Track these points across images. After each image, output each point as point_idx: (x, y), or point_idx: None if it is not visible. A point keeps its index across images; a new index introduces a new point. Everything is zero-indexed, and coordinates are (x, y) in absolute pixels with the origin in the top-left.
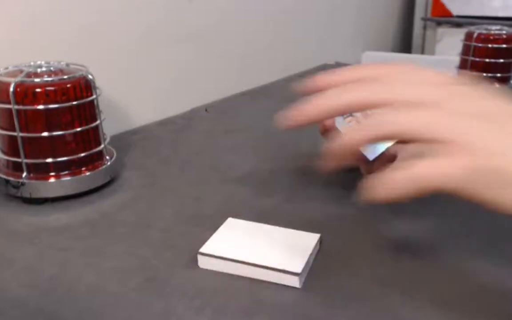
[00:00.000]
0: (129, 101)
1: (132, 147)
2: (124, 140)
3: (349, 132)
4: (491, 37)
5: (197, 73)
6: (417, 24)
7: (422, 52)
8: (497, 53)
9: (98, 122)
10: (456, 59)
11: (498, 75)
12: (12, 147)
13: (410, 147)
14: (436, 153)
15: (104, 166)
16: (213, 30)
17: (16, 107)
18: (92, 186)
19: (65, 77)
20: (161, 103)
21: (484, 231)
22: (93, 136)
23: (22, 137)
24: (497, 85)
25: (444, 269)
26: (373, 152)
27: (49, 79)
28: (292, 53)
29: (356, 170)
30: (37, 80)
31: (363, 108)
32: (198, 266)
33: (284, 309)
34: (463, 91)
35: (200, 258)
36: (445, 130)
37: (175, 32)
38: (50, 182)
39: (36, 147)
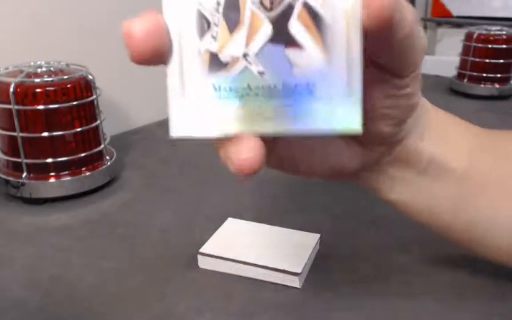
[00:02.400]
0: (129, 101)
1: (132, 147)
2: (124, 140)
3: None
4: (491, 38)
5: None
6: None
7: None
8: (497, 53)
9: (98, 122)
10: (456, 59)
11: (498, 75)
12: (12, 147)
13: None
14: None
15: (104, 166)
16: None
17: (16, 107)
18: (92, 186)
19: (65, 77)
20: (161, 103)
21: None
22: (93, 136)
23: (22, 137)
24: (497, 86)
25: (444, 268)
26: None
27: (49, 79)
28: None
29: None
30: (37, 80)
31: None
32: (198, 266)
33: (284, 309)
34: None
35: (200, 258)
36: None
37: None
38: (50, 182)
39: (36, 147)
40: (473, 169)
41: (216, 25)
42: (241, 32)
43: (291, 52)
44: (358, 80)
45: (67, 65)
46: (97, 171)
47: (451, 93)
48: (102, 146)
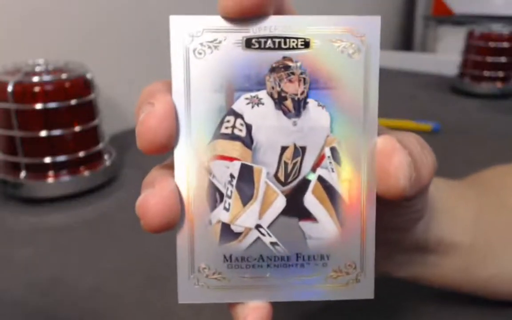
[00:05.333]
0: (129, 100)
1: (132, 146)
2: (123, 139)
3: None
4: (493, 36)
5: None
6: (418, 22)
7: (423, 50)
8: (498, 51)
9: (97, 121)
10: (457, 58)
11: (500, 74)
12: (10, 146)
13: None
14: None
15: (103, 166)
16: None
17: (15, 106)
18: (91, 186)
19: (64, 76)
20: None
21: None
22: (92, 136)
23: (20, 137)
24: (499, 85)
25: None
26: None
27: (48, 78)
28: None
29: None
30: (35, 79)
31: None
32: None
33: (284, 309)
34: None
35: None
36: None
37: None
38: (49, 182)
39: (34, 147)
40: (479, 235)
41: (229, 197)
42: (255, 205)
43: (305, 225)
44: (371, 253)
45: (66, 63)
46: (96, 170)
47: (453, 92)
48: (101, 145)
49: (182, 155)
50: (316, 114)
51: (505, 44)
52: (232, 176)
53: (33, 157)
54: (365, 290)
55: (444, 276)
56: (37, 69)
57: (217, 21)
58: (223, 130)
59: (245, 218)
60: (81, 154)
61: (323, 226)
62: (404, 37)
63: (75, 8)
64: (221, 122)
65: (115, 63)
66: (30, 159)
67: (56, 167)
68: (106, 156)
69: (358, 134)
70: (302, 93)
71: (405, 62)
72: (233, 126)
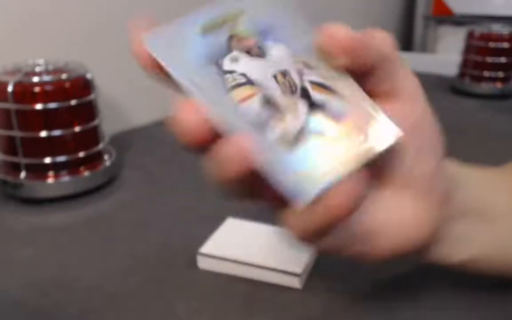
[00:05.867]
0: (129, 100)
1: (132, 147)
2: (123, 139)
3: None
4: (493, 36)
5: None
6: (418, 22)
7: (423, 51)
8: (498, 52)
9: (97, 121)
10: (457, 58)
11: (500, 74)
12: (10, 147)
13: None
14: None
15: (103, 166)
16: None
17: (15, 106)
18: (91, 186)
19: (64, 76)
20: (161, 103)
21: None
22: (92, 136)
23: (20, 137)
24: (499, 85)
25: (445, 272)
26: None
27: (48, 78)
28: None
29: None
30: (35, 79)
31: None
32: (198, 266)
33: (284, 309)
34: None
35: (199, 258)
36: None
37: None
38: (49, 182)
39: (34, 147)
40: None
41: (268, 122)
42: (288, 115)
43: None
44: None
45: (66, 64)
46: (96, 171)
47: (453, 92)
48: (101, 145)
49: (214, 112)
50: (275, 50)
51: (505, 44)
52: (258, 107)
53: (33, 157)
54: (390, 134)
55: (504, 250)
56: (37, 69)
57: (175, 24)
58: (230, 84)
59: (288, 127)
60: (81, 154)
61: (332, 106)
62: (404, 37)
63: (75, 8)
64: (224, 81)
65: (115, 63)
66: (30, 159)
67: (56, 167)
68: (106, 156)
69: (305, 40)
70: (256, 43)
71: None
72: (234, 79)
